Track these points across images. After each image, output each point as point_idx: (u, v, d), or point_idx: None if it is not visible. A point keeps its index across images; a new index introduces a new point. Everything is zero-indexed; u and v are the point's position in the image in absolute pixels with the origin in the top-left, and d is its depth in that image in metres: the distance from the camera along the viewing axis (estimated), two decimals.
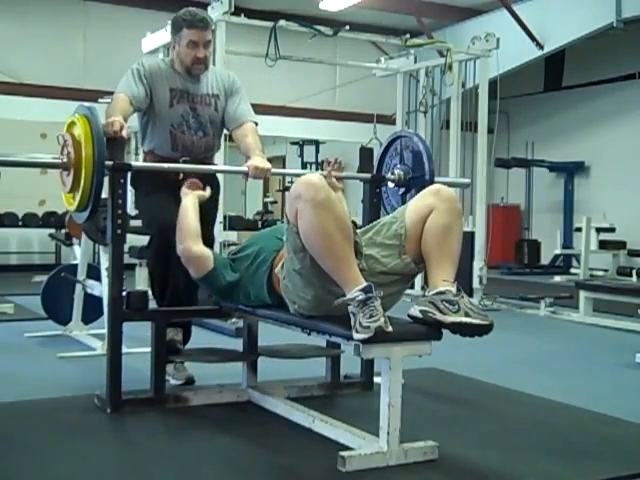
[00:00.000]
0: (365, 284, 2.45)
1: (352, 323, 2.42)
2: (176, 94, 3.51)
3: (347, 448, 2.60)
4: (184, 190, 3.28)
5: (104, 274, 4.16)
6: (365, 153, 3.69)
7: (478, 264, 7.12)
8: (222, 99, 3.60)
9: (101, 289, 4.32)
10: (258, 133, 3.59)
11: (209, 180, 3.68)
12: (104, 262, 4.20)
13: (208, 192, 3.32)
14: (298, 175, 3.10)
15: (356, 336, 2.39)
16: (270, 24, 6.50)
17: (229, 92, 3.62)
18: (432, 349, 2.57)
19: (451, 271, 2.65)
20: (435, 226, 2.66)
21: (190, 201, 3.23)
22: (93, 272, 4.70)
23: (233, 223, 8.85)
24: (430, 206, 2.69)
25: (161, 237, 3.38)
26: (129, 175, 3.18)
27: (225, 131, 3.76)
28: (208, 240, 3.35)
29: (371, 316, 2.38)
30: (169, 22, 6.74)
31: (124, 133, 3.09)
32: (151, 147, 3.58)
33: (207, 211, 3.60)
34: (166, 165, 3.41)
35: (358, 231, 2.76)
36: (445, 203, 2.68)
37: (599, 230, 9.78)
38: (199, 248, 3.10)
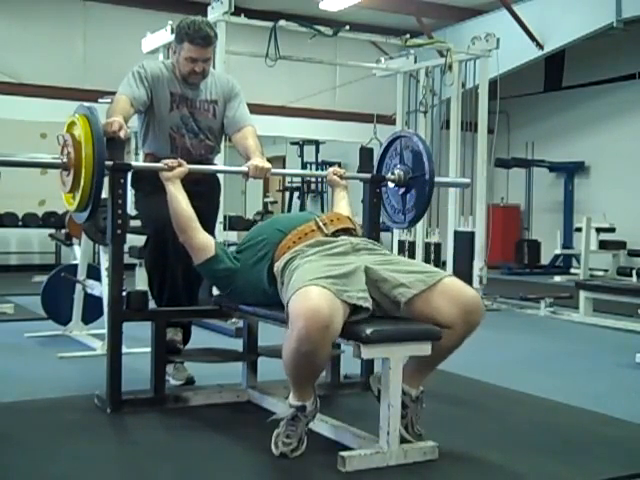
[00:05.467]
0: (300, 404, 2.58)
1: (276, 432, 2.61)
2: (176, 98, 3.51)
3: (347, 448, 2.60)
4: (165, 175, 3.16)
5: (104, 274, 4.16)
6: (365, 153, 3.69)
7: (478, 264, 7.12)
8: (220, 105, 3.60)
9: (101, 289, 4.33)
10: (257, 135, 3.60)
11: (210, 180, 3.68)
12: (104, 262, 4.20)
13: (185, 166, 3.20)
14: (298, 175, 3.10)
15: (272, 448, 2.58)
16: (270, 24, 6.50)
17: (228, 97, 3.61)
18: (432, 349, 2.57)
19: (423, 379, 2.74)
20: (442, 348, 2.61)
21: (176, 187, 3.13)
22: (93, 272, 4.70)
23: (233, 223, 8.86)
24: (452, 323, 2.59)
25: (157, 236, 3.38)
26: (129, 175, 3.18)
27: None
28: None
29: (287, 437, 2.57)
30: (169, 22, 6.79)
31: (122, 134, 3.09)
32: (151, 149, 3.58)
33: (208, 211, 3.60)
34: (166, 165, 3.41)
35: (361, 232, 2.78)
36: (470, 328, 2.61)
37: (599, 230, 9.78)
38: (201, 236, 3.08)
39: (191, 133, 3.55)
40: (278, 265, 2.82)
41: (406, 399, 2.68)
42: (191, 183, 3.29)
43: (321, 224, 2.91)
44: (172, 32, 6.75)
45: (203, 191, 3.54)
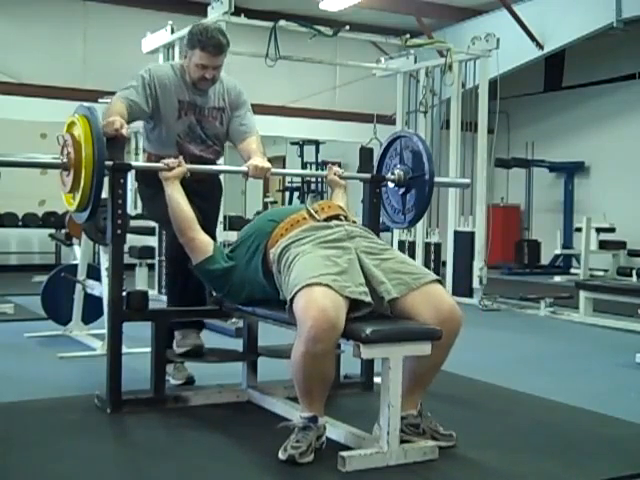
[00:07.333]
0: (312, 415, 2.56)
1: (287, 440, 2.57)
2: (184, 105, 3.47)
3: (347, 448, 2.60)
4: (164, 175, 3.15)
5: (104, 274, 4.16)
6: (365, 153, 3.69)
7: (478, 264, 7.12)
8: (227, 112, 3.57)
9: (101, 289, 4.32)
10: (261, 143, 3.57)
11: (212, 181, 3.67)
12: (104, 262, 4.20)
13: (184, 166, 3.19)
14: (298, 175, 3.11)
15: (280, 454, 2.53)
16: (270, 24, 6.51)
17: (234, 105, 3.58)
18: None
19: (419, 399, 2.74)
20: (425, 362, 2.64)
21: (175, 189, 3.13)
22: (93, 272, 4.70)
23: (233, 223, 8.84)
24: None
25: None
26: (130, 175, 3.16)
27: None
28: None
29: (297, 441, 2.53)
30: (169, 22, 6.79)
31: (124, 131, 3.09)
32: (156, 151, 3.53)
33: (209, 211, 3.59)
34: (166, 165, 3.39)
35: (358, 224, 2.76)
36: (447, 339, 2.62)
37: (599, 230, 9.78)
38: (200, 237, 3.08)
39: (198, 140, 3.52)
40: (274, 252, 2.82)
41: (411, 419, 2.70)
42: (194, 182, 3.29)
43: (312, 212, 2.93)
44: (172, 32, 6.78)
45: (205, 191, 3.54)
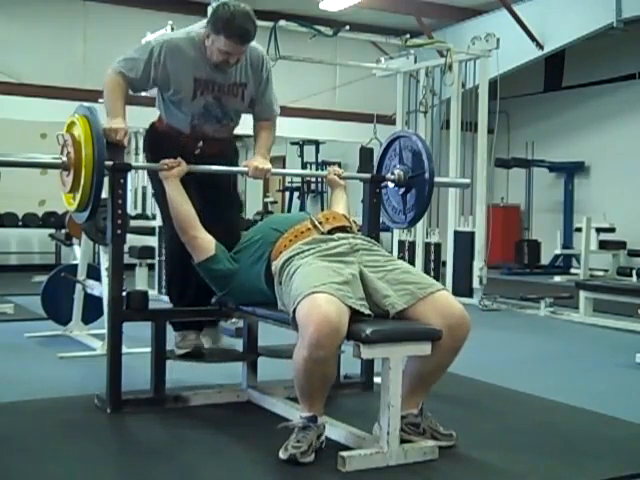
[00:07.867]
0: (311, 414, 2.56)
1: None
2: (200, 84, 3.27)
3: (347, 448, 2.60)
4: (164, 174, 3.14)
5: (104, 274, 4.16)
6: (365, 153, 3.69)
7: (478, 264, 7.12)
8: (250, 87, 3.41)
9: (101, 289, 4.33)
10: (275, 126, 3.62)
11: (228, 151, 3.56)
12: (104, 262, 4.20)
13: (184, 166, 3.16)
14: (298, 175, 3.11)
15: (280, 454, 2.54)
16: (270, 24, 6.50)
17: (258, 80, 3.43)
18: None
19: (421, 399, 2.75)
20: (431, 363, 2.65)
21: (175, 188, 3.11)
22: (93, 272, 4.70)
23: None
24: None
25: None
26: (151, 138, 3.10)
27: None
28: (233, 239, 3.21)
29: (298, 441, 2.53)
30: (169, 22, 6.78)
31: (126, 141, 3.10)
32: (170, 122, 3.40)
33: (226, 208, 3.51)
34: (165, 165, 3.36)
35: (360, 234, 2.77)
36: (456, 343, 2.65)
37: (599, 230, 9.78)
38: (202, 236, 3.08)
39: (213, 120, 3.37)
40: (276, 264, 2.83)
41: (411, 419, 2.71)
42: (208, 157, 3.31)
43: (317, 223, 2.93)
44: (172, 31, 6.76)
45: (222, 164, 3.44)
